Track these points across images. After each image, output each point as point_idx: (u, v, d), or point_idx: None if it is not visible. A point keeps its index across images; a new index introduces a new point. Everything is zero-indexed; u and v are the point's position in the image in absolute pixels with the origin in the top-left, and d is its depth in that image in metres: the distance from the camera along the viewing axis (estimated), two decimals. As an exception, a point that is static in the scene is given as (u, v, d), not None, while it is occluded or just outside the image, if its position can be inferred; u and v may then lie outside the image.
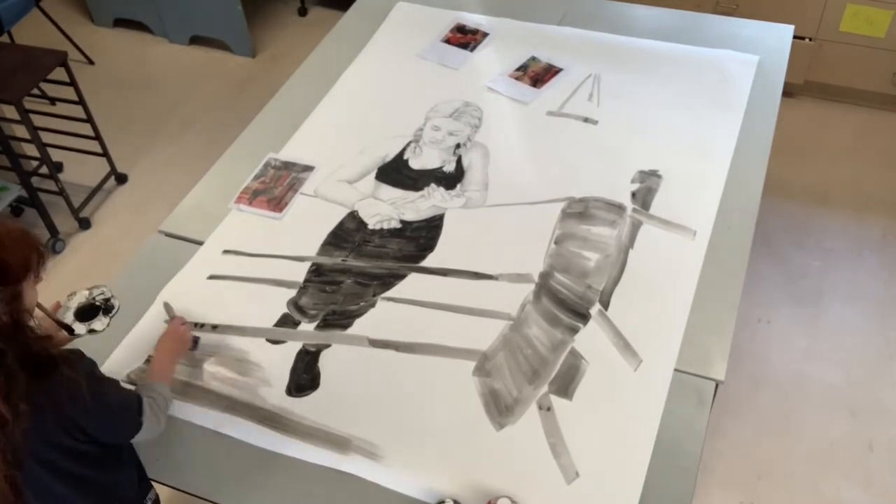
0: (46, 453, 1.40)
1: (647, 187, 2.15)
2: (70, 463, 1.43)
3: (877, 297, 2.86)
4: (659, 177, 2.18)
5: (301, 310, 1.92)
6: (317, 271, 2.00)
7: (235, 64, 4.15)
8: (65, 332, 1.64)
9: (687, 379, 1.74)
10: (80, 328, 1.67)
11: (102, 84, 4.00)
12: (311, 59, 2.70)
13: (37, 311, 1.42)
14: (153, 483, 1.68)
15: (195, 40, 4.25)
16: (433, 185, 2.20)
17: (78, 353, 1.42)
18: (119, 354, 1.85)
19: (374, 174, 2.26)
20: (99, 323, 1.69)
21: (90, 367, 1.44)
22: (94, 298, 1.72)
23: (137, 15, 4.29)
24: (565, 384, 1.74)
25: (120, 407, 1.48)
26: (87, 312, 1.70)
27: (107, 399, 1.44)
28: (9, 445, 1.28)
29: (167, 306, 1.93)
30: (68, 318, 1.68)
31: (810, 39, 3.39)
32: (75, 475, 1.45)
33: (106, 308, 1.71)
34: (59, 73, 3.11)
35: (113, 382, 1.50)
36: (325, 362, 1.81)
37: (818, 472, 2.41)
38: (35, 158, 3.21)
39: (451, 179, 2.22)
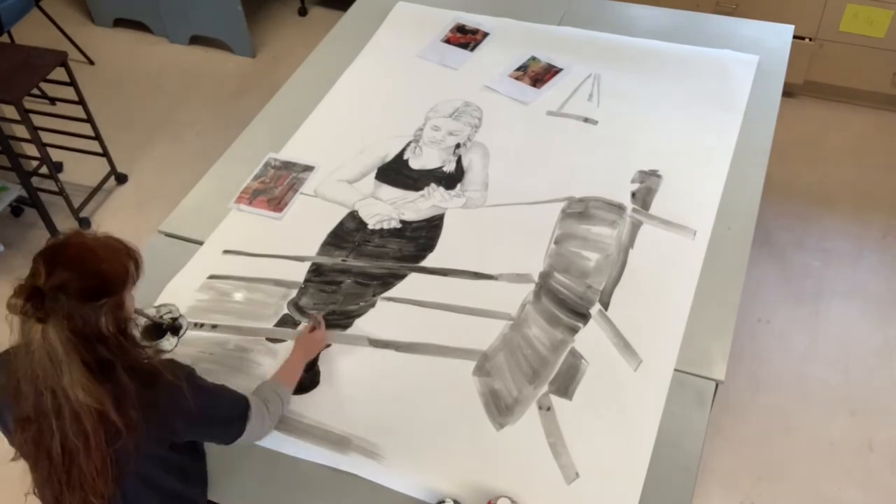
0: (145, 467, 1.40)
1: (647, 187, 2.15)
2: (161, 474, 1.44)
3: (877, 297, 2.85)
4: (659, 177, 2.18)
5: (301, 310, 1.92)
6: (317, 271, 2.00)
7: (235, 64, 4.15)
8: None
9: (687, 379, 1.74)
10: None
11: (102, 84, 4.00)
12: (311, 59, 2.70)
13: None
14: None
15: (195, 40, 4.25)
16: (433, 185, 2.20)
17: (178, 362, 1.42)
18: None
19: (374, 174, 2.26)
20: (167, 343, 1.64)
21: (189, 372, 1.43)
22: (161, 317, 1.68)
23: (137, 15, 4.28)
24: (565, 384, 1.74)
25: (223, 411, 1.47)
26: (153, 332, 1.65)
27: (210, 403, 1.43)
28: (114, 458, 1.30)
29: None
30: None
31: (810, 39, 3.39)
32: (165, 489, 1.45)
33: (174, 328, 1.66)
34: (59, 73, 3.11)
35: (216, 387, 1.48)
36: (325, 362, 1.81)
37: (818, 472, 2.41)
38: (35, 158, 3.21)
39: (451, 179, 2.22)
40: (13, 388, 1.31)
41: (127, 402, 1.29)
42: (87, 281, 1.26)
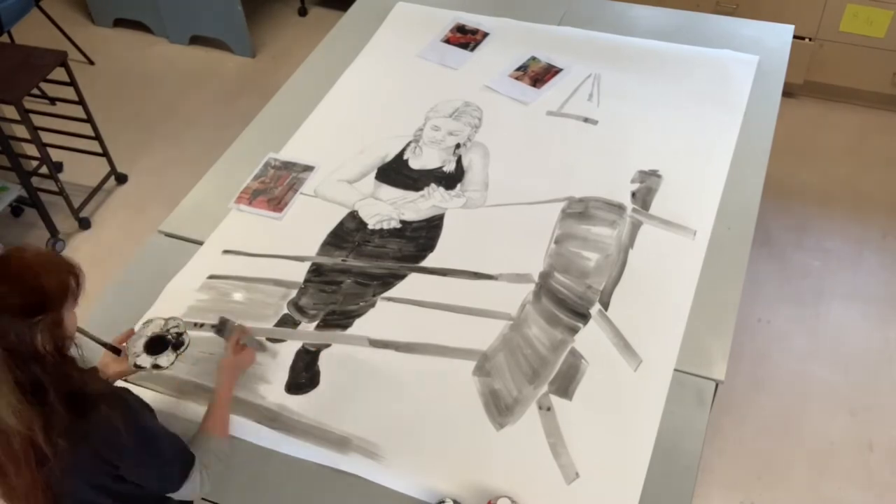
0: (87, 493, 1.37)
1: (647, 187, 2.15)
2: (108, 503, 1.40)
3: (877, 297, 2.86)
4: (659, 177, 2.18)
5: (301, 310, 1.92)
6: (317, 271, 2.00)
7: (235, 64, 4.15)
8: (131, 366, 1.57)
9: (687, 379, 1.74)
10: (145, 361, 1.59)
11: (102, 84, 4.00)
12: (311, 59, 2.70)
13: (84, 339, 1.39)
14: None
15: (195, 40, 4.25)
16: (433, 185, 2.20)
17: (122, 394, 1.38)
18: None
19: (374, 174, 2.26)
20: (165, 359, 1.60)
21: (135, 411, 1.38)
22: (167, 331, 1.64)
23: (137, 15, 4.28)
24: (565, 384, 1.74)
25: (160, 461, 1.40)
26: (157, 345, 1.61)
27: (147, 448, 1.38)
28: (48, 483, 1.27)
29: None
30: (138, 347, 1.60)
31: (810, 39, 3.39)
32: None
33: (176, 343, 1.62)
34: (59, 73, 3.11)
35: (162, 431, 1.42)
36: (325, 362, 1.81)
37: (818, 472, 2.41)
38: (35, 158, 3.21)
39: (451, 179, 2.22)
40: None
41: (55, 430, 1.25)
42: (24, 297, 1.22)
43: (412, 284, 1.96)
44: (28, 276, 1.24)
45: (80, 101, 3.20)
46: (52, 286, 1.26)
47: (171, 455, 1.43)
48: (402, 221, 2.12)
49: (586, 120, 2.37)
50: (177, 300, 1.95)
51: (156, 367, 1.59)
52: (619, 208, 2.10)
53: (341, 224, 2.12)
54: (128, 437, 1.32)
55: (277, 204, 2.19)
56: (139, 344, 1.62)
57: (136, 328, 1.67)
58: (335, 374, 1.78)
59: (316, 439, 1.67)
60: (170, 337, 1.64)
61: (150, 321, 1.67)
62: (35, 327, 1.23)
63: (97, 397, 1.31)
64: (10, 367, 1.21)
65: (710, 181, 2.16)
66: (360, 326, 1.88)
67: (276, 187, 2.23)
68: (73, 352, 1.32)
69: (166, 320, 1.67)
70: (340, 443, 1.66)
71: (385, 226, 2.10)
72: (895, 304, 2.82)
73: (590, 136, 2.32)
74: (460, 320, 1.87)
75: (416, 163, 2.28)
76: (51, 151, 3.17)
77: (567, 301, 1.89)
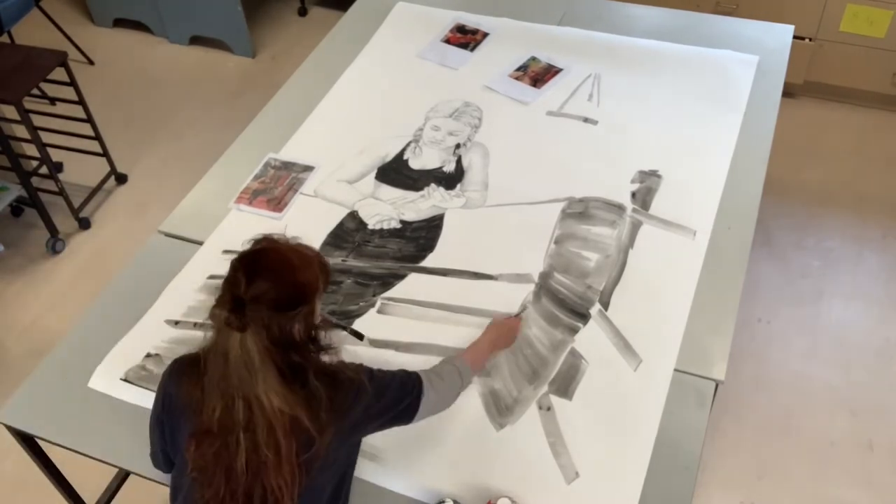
0: (340, 462, 1.42)
1: (647, 187, 2.15)
2: (335, 472, 1.44)
3: (877, 297, 2.86)
4: (659, 177, 2.18)
5: (301, 310, 1.92)
6: (317, 271, 2.00)
7: (235, 64, 4.15)
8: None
9: (687, 379, 1.74)
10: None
11: (102, 84, 4.00)
12: (311, 59, 2.70)
13: None
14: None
15: (195, 40, 4.25)
16: (433, 185, 2.20)
17: (344, 361, 1.42)
18: (118, 353, 1.84)
19: (374, 174, 2.26)
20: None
21: (366, 367, 1.44)
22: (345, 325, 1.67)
23: (137, 15, 4.28)
24: (565, 384, 1.74)
25: (397, 396, 1.46)
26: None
27: (387, 392, 1.44)
28: (302, 470, 1.29)
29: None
30: None
31: (810, 39, 3.39)
32: (336, 483, 1.46)
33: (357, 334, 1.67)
34: (59, 73, 3.11)
35: (390, 374, 1.48)
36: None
37: (818, 472, 2.41)
38: (35, 158, 3.21)
39: (451, 179, 2.22)
40: (196, 397, 1.31)
41: (318, 406, 1.30)
42: (285, 291, 1.27)
43: (412, 284, 1.96)
44: (286, 270, 1.29)
45: (80, 101, 3.20)
46: (308, 279, 1.31)
47: (402, 388, 1.48)
48: (402, 221, 2.12)
49: (586, 120, 2.37)
50: (177, 300, 1.95)
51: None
52: (619, 208, 2.10)
53: (341, 224, 2.12)
54: (374, 391, 1.39)
55: (277, 204, 2.19)
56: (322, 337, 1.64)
57: None
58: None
59: (316, 439, 1.67)
60: (348, 329, 1.69)
61: (327, 317, 1.69)
62: (294, 319, 1.27)
63: (341, 368, 1.38)
64: (273, 356, 1.25)
65: (710, 181, 2.16)
66: (360, 326, 1.88)
67: (276, 187, 2.23)
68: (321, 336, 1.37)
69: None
70: (340, 443, 1.66)
71: (385, 226, 2.10)
72: (895, 304, 2.82)
73: (590, 136, 2.32)
74: (460, 320, 1.87)
75: (416, 163, 2.28)
76: (51, 151, 3.17)
77: (567, 301, 1.89)
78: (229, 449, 1.28)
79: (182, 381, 1.37)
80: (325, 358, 1.37)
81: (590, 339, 1.82)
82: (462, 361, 1.62)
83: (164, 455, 1.50)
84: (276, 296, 1.25)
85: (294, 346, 1.29)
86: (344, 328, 1.60)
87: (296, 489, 1.29)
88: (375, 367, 1.48)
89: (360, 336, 1.63)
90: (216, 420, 1.28)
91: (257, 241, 1.35)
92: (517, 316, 1.83)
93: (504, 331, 1.77)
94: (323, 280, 1.34)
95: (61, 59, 3.09)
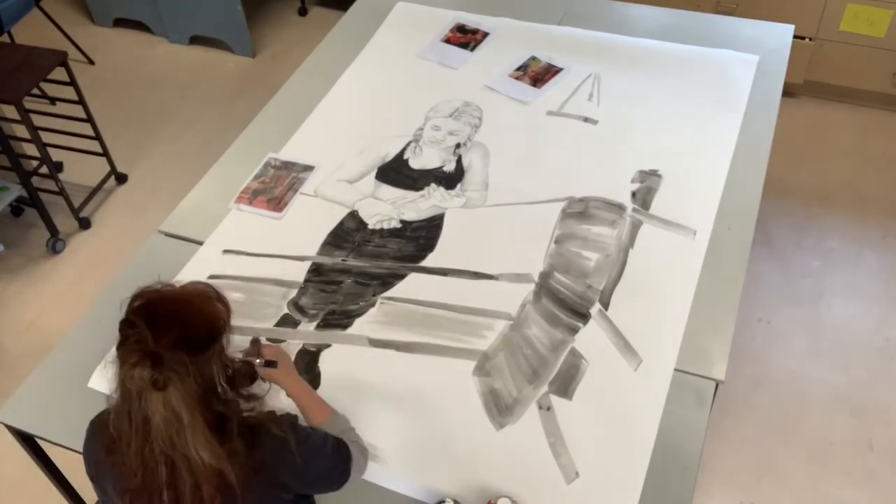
0: None
1: (647, 187, 2.15)
2: None
3: (877, 297, 2.85)
4: (659, 177, 2.18)
5: (301, 310, 1.92)
6: (317, 271, 2.00)
7: (235, 64, 4.15)
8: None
9: (687, 379, 1.74)
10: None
11: (102, 84, 4.00)
12: (311, 59, 2.70)
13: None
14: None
15: (195, 40, 4.25)
16: (433, 185, 2.20)
17: (273, 412, 1.33)
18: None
19: (374, 174, 2.26)
20: (259, 388, 1.44)
21: (292, 422, 1.35)
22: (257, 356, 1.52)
23: (137, 15, 4.28)
24: (565, 384, 1.74)
25: (327, 459, 1.39)
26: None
27: (315, 453, 1.36)
28: None
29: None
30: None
31: (810, 39, 3.39)
32: None
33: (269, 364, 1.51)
34: (59, 73, 3.11)
35: (316, 434, 1.40)
36: (325, 362, 1.81)
37: (818, 472, 2.41)
38: (35, 158, 3.21)
39: (451, 179, 2.22)
40: (117, 461, 1.23)
41: (239, 463, 1.21)
42: (195, 329, 1.18)
43: (412, 284, 1.96)
44: (188, 308, 1.21)
45: (80, 101, 3.20)
46: (214, 312, 1.22)
47: (332, 449, 1.41)
48: (402, 221, 2.12)
49: (586, 120, 2.37)
50: (177, 300, 1.95)
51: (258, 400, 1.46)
52: (619, 208, 2.10)
53: (341, 224, 2.12)
54: (298, 450, 1.29)
55: (277, 204, 2.19)
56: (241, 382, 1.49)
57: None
58: (335, 375, 1.78)
59: (316, 439, 1.67)
60: (259, 361, 1.52)
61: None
62: (210, 360, 1.19)
63: (264, 421, 1.29)
64: (200, 407, 1.17)
65: (710, 181, 2.16)
66: (360, 326, 1.88)
67: (276, 187, 2.23)
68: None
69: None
70: (340, 443, 1.66)
71: (385, 226, 2.10)
72: (895, 304, 2.82)
73: (590, 136, 2.32)
74: (460, 320, 1.87)
75: (416, 163, 2.28)
76: (51, 151, 3.17)
77: (567, 301, 1.89)
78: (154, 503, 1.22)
79: (99, 448, 1.30)
80: (249, 407, 1.28)
81: (590, 338, 1.82)
82: (336, 419, 1.51)
83: None
84: (189, 338, 1.16)
85: (216, 394, 1.20)
86: (254, 362, 1.44)
87: None
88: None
89: (273, 364, 1.48)
90: (140, 480, 1.22)
91: (139, 296, 1.23)
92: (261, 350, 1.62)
93: (287, 361, 1.58)
94: (226, 311, 1.24)
95: (61, 59, 3.09)
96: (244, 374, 1.32)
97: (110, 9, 4.33)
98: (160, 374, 1.14)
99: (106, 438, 1.26)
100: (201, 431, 1.17)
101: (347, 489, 1.58)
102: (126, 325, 1.20)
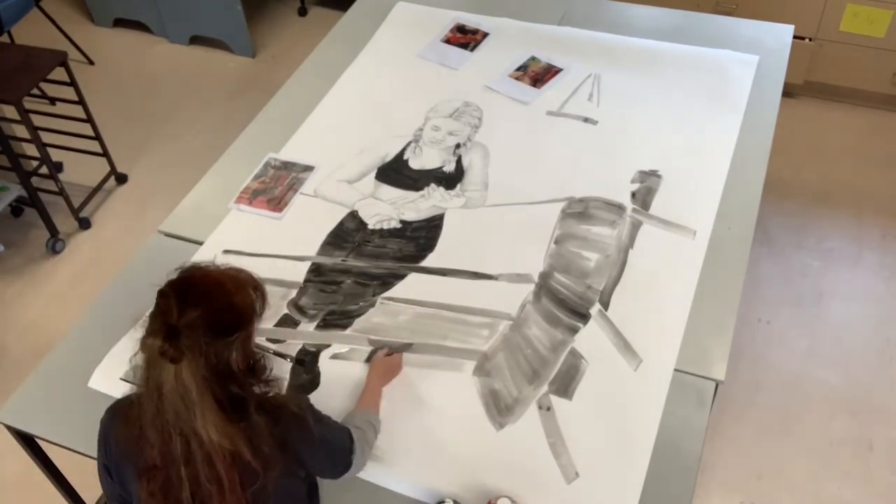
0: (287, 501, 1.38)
1: (647, 187, 2.15)
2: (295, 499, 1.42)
3: (877, 297, 2.85)
4: (659, 177, 2.18)
5: (301, 310, 1.92)
6: (317, 271, 2.00)
7: (235, 64, 4.15)
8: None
9: (687, 379, 1.74)
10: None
11: (102, 84, 4.00)
12: (311, 59, 2.70)
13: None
14: None
15: (195, 40, 4.25)
16: (433, 185, 2.20)
17: (291, 392, 1.40)
18: (118, 353, 1.84)
19: (374, 174, 2.26)
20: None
21: (307, 402, 1.41)
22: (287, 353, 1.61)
23: (137, 15, 4.28)
24: (565, 384, 1.74)
25: (338, 443, 1.44)
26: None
27: (328, 435, 1.42)
28: (254, 494, 1.25)
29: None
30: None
31: (810, 39, 3.39)
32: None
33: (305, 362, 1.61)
34: (59, 73, 3.11)
35: (328, 418, 1.45)
36: (325, 363, 1.81)
37: (818, 472, 2.41)
38: (35, 158, 3.21)
39: (451, 179, 2.22)
40: (135, 436, 1.26)
41: (260, 440, 1.25)
42: (220, 315, 1.21)
43: (412, 284, 1.96)
44: (220, 294, 1.23)
45: (80, 101, 3.20)
46: (244, 303, 1.25)
47: (342, 436, 1.46)
48: (402, 221, 2.12)
49: (586, 120, 2.37)
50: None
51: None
52: (619, 208, 2.10)
53: (341, 224, 2.12)
54: (316, 428, 1.35)
55: (277, 204, 2.19)
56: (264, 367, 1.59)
57: None
58: (335, 375, 1.78)
59: (316, 439, 1.67)
60: (290, 358, 1.62)
61: (260, 345, 1.63)
62: (231, 346, 1.22)
63: (284, 401, 1.33)
64: (211, 387, 1.20)
65: (710, 181, 2.16)
66: (360, 326, 1.88)
67: (276, 187, 2.23)
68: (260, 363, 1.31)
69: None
70: (340, 443, 1.66)
71: (385, 226, 2.10)
72: (895, 304, 2.82)
73: (590, 136, 2.32)
74: (460, 320, 1.87)
75: (416, 163, 2.28)
76: (51, 151, 3.17)
77: (567, 301, 1.89)
78: (173, 483, 1.25)
79: (119, 426, 1.32)
80: (271, 389, 1.32)
81: (590, 339, 1.82)
82: (369, 413, 1.61)
83: (123, 501, 1.44)
84: (212, 320, 1.19)
85: (233, 376, 1.23)
86: (284, 357, 1.50)
87: None
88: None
89: (302, 363, 1.56)
90: (158, 455, 1.25)
91: (185, 269, 1.28)
92: (397, 352, 1.79)
93: (388, 367, 1.75)
94: (259, 303, 1.28)
95: (61, 59, 3.09)
96: (265, 367, 1.35)
97: (110, 9, 4.33)
98: (172, 348, 1.17)
99: (126, 415, 1.30)
100: (212, 411, 1.20)
101: (348, 488, 1.59)
102: (161, 295, 1.24)
